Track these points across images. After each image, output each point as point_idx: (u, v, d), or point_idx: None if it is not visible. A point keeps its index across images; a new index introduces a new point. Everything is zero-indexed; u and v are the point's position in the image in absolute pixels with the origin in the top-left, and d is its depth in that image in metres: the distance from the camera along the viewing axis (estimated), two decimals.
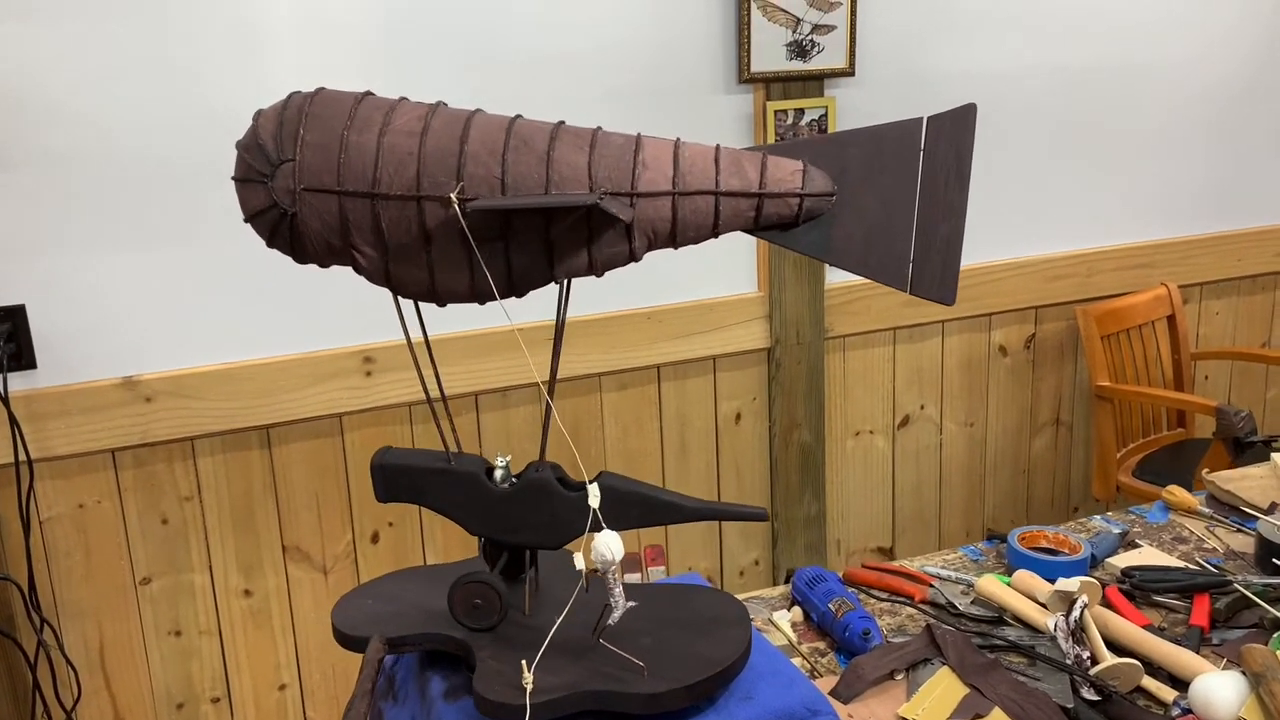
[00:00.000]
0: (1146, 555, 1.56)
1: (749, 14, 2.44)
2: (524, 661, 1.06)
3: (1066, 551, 1.53)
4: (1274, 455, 1.76)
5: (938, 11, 2.67)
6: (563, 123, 1.11)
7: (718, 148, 1.10)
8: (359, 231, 1.11)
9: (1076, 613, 1.29)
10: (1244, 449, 2.54)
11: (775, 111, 2.54)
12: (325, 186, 1.09)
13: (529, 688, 1.05)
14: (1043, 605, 1.37)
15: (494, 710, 1.06)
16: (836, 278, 2.70)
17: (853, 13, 2.54)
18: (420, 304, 1.17)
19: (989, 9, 2.72)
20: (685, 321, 2.58)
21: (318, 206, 1.10)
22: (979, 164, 2.68)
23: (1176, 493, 1.71)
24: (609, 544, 1.05)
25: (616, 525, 1.11)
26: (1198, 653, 1.29)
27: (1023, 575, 1.44)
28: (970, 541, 3.07)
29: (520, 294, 1.16)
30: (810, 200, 1.07)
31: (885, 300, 2.76)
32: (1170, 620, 1.40)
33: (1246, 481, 1.72)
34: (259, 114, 1.12)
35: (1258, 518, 1.57)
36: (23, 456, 2.09)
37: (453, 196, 1.10)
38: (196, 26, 2.10)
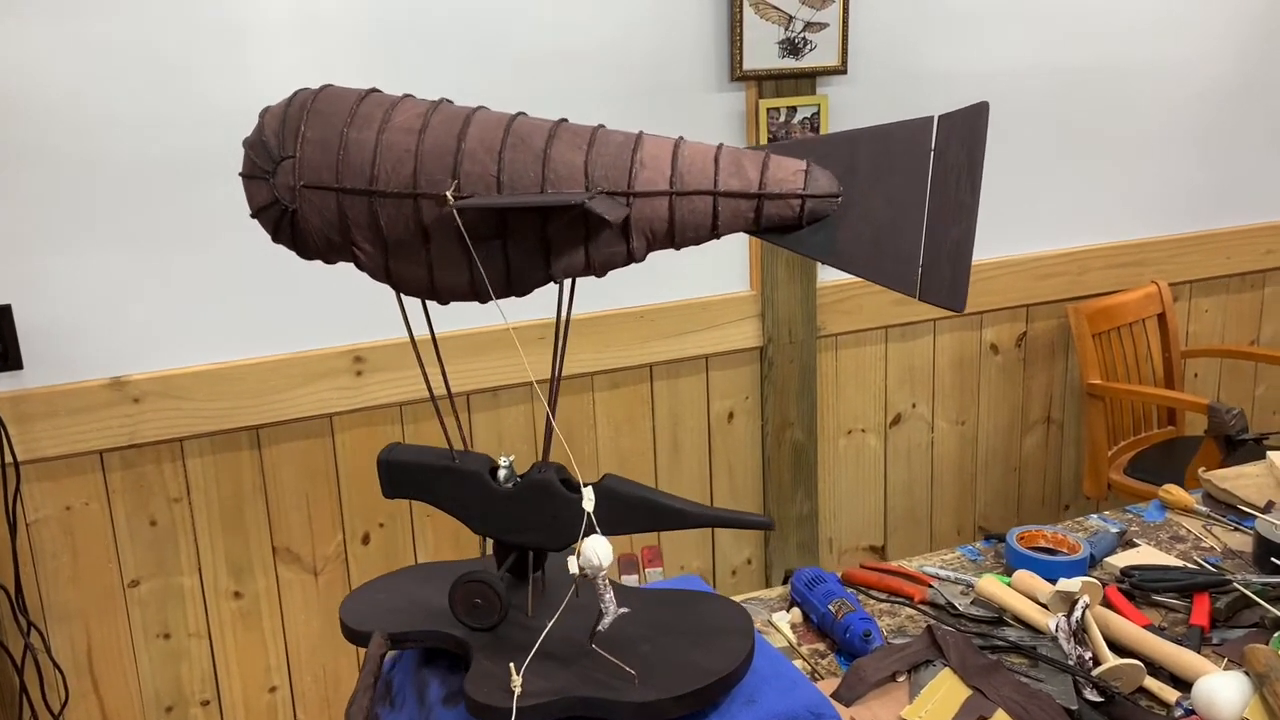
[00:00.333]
0: (1145, 554, 1.55)
1: (741, 11, 2.43)
2: (512, 664, 1.05)
3: (1065, 551, 1.52)
4: (1270, 454, 1.76)
5: (930, 9, 2.67)
6: (564, 120, 1.09)
7: (719, 147, 1.08)
8: (358, 228, 1.10)
9: (1078, 613, 1.29)
10: (1236, 447, 2.54)
11: (768, 110, 2.53)
12: (324, 183, 1.09)
13: (517, 691, 1.04)
14: (1044, 606, 1.37)
15: (481, 712, 1.05)
16: (828, 276, 2.69)
17: (845, 10, 2.53)
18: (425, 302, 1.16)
19: (981, 7, 2.72)
20: (677, 320, 2.57)
21: (317, 203, 1.09)
22: None
23: (1173, 491, 1.71)
24: (596, 549, 1.03)
25: (618, 530, 1.09)
26: (1199, 653, 1.29)
27: (1023, 575, 1.43)
28: (962, 539, 3.08)
29: (520, 293, 1.14)
30: (813, 201, 1.04)
31: (877, 299, 2.75)
32: (1170, 620, 1.39)
33: (1243, 480, 1.72)
34: (265, 111, 1.11)
35: (1255, 516, 1.57)
36: (9, 458, 2.07)
37: (449, 195, 1.09)
38: (188, 24, 2.08)
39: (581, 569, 1.04)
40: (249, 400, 2.25)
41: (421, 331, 1.17)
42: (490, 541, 1.20)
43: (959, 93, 2.73)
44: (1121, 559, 1.54)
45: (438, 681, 1.20)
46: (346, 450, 2.37)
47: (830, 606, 1.38)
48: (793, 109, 2.56)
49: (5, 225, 2.04)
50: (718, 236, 1.10)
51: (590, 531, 1.07)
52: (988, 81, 2.77)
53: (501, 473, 1.14)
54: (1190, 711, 1.18)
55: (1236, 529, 1.63)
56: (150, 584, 2.27)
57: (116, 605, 2.25)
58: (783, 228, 1.07)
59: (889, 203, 1.01)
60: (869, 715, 1.20)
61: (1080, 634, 1.28)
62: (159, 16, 2.06)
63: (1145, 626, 1.33)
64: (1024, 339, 3.01)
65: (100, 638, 2.25)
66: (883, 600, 1.49)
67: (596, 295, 2.47)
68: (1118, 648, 1.29)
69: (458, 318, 2.39)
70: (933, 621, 1.39)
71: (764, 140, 2.54)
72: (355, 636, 1.18)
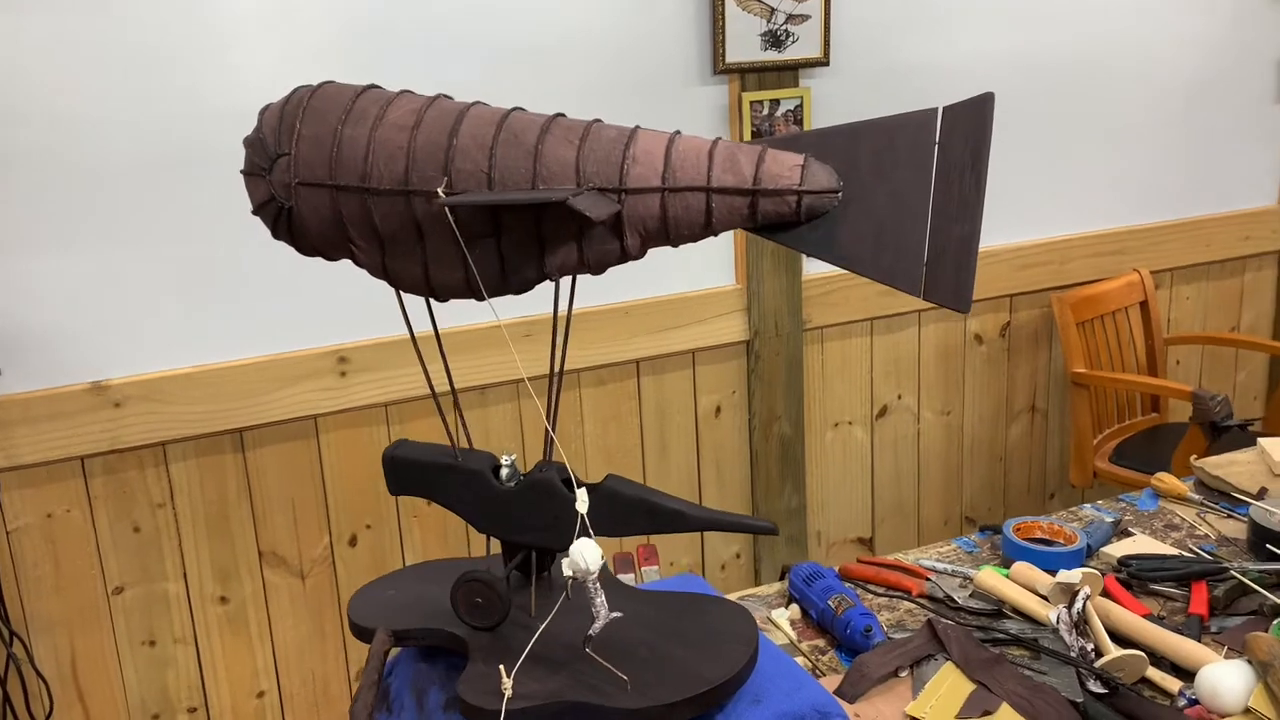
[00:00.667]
0: (1140, 543, 1.55)
1: (723, 4, 2.42)
2: (502, 666, 1.04)
3: (1062, 542, 1.52)
4: (1261, 441, 1.76)
5: (911, 1, 2.66)
6: (560, 115, 1.08)
7: (715, 142, 1.07)
8: (354, 225, 1.09)
9: (1079, 604, 1.28)
10: (1220, 433, 2.56)
11: (751, 102, 2.52)
12: (319, 180, 1.07)
13: (507, 694, 1.03)
14: (1043, 598, 1.36)
15: (471, 713, 1.05)
16: (813, 269, 2.69)
17: (827, 2, 2.52)
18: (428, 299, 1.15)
19: None
20: (663, 315, 2.56)
21: (312, 200, 1.08)
22: None
23: (1166, 480, 1.71)
24: (584, 553, 1.02)
25: (619, 532, 1.08)
26: (1199, 642, 1.28)
27: (1021, 567, 1.43)
28: (949, 530, 3.08)
29: (516, 290, 1.13)
30: (810, 198, 1.02)
31: (862, 290, 2.75)
32: (1169, 609, 1.39)
33: (1235, 467, 1.72)
34: (265, 108, 1.10)
35: (1249, 503, 1.57)
36: None
37: (440, 191, 1.07)
38: (166, 22, 2.04)
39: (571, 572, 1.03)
40: (232, 403, 2.22)
41: (421, 328, 1.16)
42: (493, 541, 1.19)
43: (941, 83, 2.72)
44: (1118, 548, 1.54)
45: (437, 687, 1.18)
46: (332, 452, 2.34)
47: (830, 602, 1.37)
48: (776, 102, 2.55)
49: None
50: (714, 234, 1.08)
51: (584, 534, 1.06)
52: (969, 73, 2.77)
53: (504, 471, 1.12)
54: (1194, 701, 1.18)
55: (1230, 516, 1.63)
56: (134, 591, 2.24)
57: (100, 613, 2.22)
58: (781, 224, 1.05)
59: (892, 198, 0.98)
60: (873, 712, 1.19)
61: (1082, 625, 1.28)
62: (136, 15, 2.02)
63: (1145, 616, 1.33)
64: (1008, 329, 3.01)
65: (84, 646, 2.22)
66: (880, 595, 1.48)
67: (581, 291, 2.42)
68: (1119, 638, 1.29)
69: (443, 315, 2.37)
70: (932, 615, 1.39)
71: (748, 134, 2.53)
72: (361, 633, 1.18)
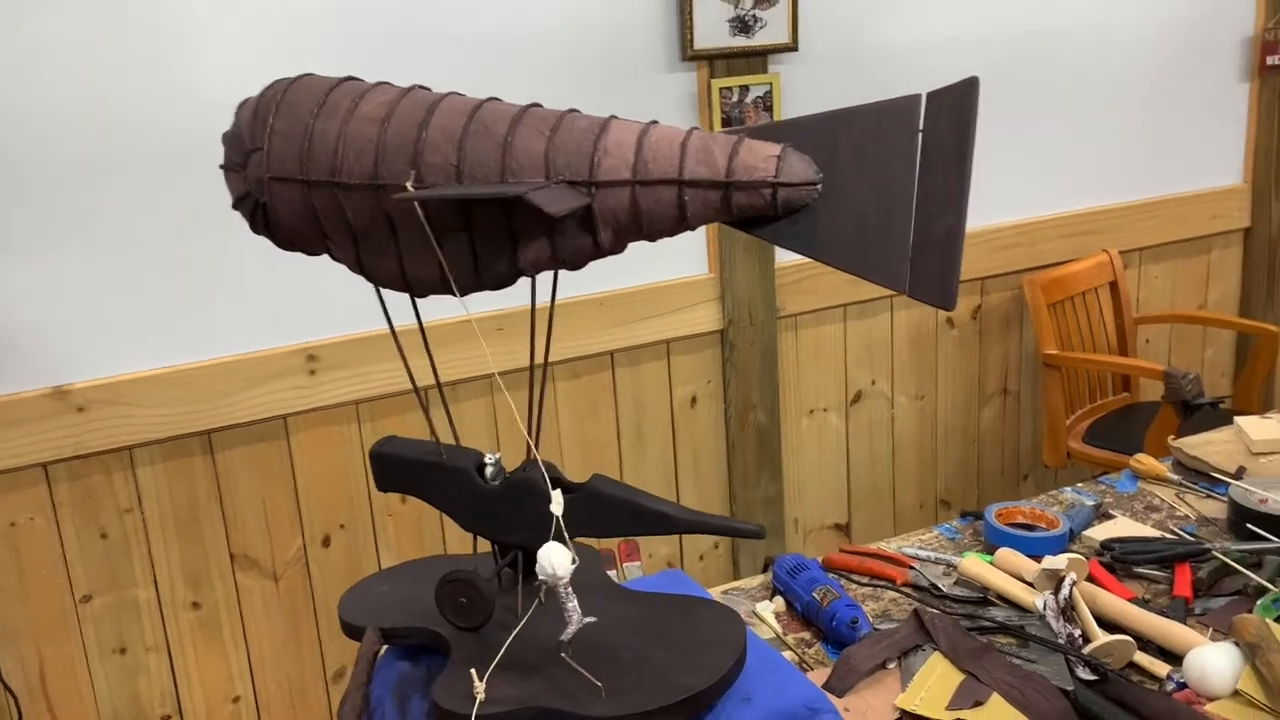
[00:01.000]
0: (1121, 526, 1.55)
1: None
2: (473, 671, 1.02)
3: (1044, 526, 1.51)
4: (1237, 419, 1.77)
5: None
6: (534, 105, 1.05)
7: (690, 132, 1.03)
8: (328, 221, 1.06)
9: (1065, 590, 1.28)
10: (1192, 411, 2.57)
11: (720, 89, 2.50)
12: (290, 175, 1.05)
13: (479, 698, 1.01)
14: (1029, 584, 1.36)
15: (443, 717, 1.03)
16: (786, 256, 2.67)
17: None
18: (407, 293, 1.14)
19: None
20: (637, 306, 2.53)
21: (285, 195, 1.05)
22: None
23: (1144, 461, 1.71)
24: (552, 558, 0.99)
25: (603, 533, 1.06)
26: (1185, 624, 1.28)
27: (1006, 554, 1.42)
28: (924, 514, 3.09)
29: (491, 286, 1.10)
30: (787, 190, 0.97)
31: (835, 277, 2.73)
32: (1153, 592, 1.39)
33: (1212, 446, 1.73)
34: (242, 103, 1.08)
35: (1228, 483, 1.57)
36: None
37: (409, 186, 1.04)
38: (122, 18, 1.98)
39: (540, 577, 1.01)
40: (199, 404, 2.17)
41: (399, 323, 1.14)
42: (482, 539, 1.17)
43: (909, 68, 2.71)
44: (1099, 532, 1.53)
45: (418, 695, 1.16)
46: (303, 452, 2.30)
47: (814, 594, 1.36)
48: (745, 88, 2.52)
49: None
50: (690, 228, 1.05)
51: (560, 537, 1.04)
52: (936, 55, 2.76)
53: (488, 470, 1.10)
54: (1182, 685, 1.18)
55: (1209, 496, 1.64)
56: (103, 599, 2.19)
57: (68, 622, 2.17)
58: (759, 218, 1.02)
59: (875, 190, 0.94)
60: (863, 705, 1.18)
61: (1069, 611, 1.27)
62: (95, 15, 1.96)
63: (1130, 600, 1.33)
64: (979, 312, 3.02)
65: (53, 657, 2.17)
66: (865, 585, 1.47)
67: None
68: (1106, 623, 1.29)
69: (410, 311, 2.33)
70: (918, 605, 1.38)
71: (718, 121, 2.50)
72: (350, 630, 1.17)
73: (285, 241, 1.12)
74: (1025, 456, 3.21)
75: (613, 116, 1.04)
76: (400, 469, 1.15)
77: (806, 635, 1.36)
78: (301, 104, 1.06)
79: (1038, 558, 1.39)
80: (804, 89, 2.61)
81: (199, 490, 2.23)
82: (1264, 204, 3.31)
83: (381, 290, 1.16)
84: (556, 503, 1.03)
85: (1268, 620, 1.18)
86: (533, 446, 1.06)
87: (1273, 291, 3.39)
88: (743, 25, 2.48)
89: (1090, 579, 1.38)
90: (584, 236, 1.06)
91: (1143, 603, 1.35)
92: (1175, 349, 3.38)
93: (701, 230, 2.59)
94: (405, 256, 1.06)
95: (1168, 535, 1.52)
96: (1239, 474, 1.64)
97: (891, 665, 1.24)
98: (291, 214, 1.07)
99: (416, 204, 1.01)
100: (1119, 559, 1.43)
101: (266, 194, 1.07)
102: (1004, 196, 2.96)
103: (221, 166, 1.10)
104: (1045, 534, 1.48)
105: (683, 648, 1.07)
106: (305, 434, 2.29)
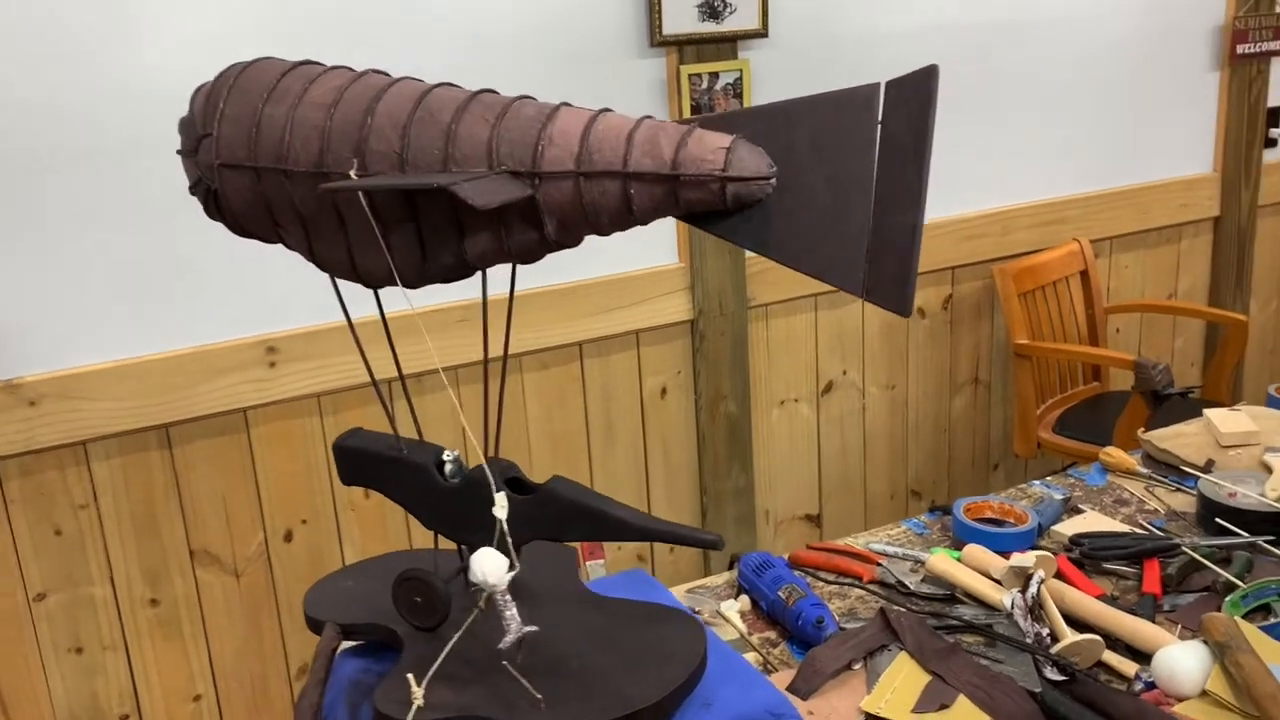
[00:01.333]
0: (1091, 520, 1.53)
1: None
2: (410, 676, 0.99)
3: (1013, 522, 1.50)
4: (1206, 412, 1.75)
5: None
6: (485, 91, 1.01)
7: (640, 122, 0.98)
8: (277, 208, 1.03)
9: (1033, 589, 1.26)
10: (1162, 401, 2.56)
11: (689, 76, 2.46)
12: (239, 162, 1.01)
13: (416, 704, 0.98)
14: (997, 581, 1.33)
15: None
16: None
17: None
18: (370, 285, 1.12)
19: None
20: (606, 296, 2.50)
21: (235, 182, 1.03)
22: None
23: (1114, 454, 1.70)
24: (483, 565, 0.96)
25: (559, 536, 1.03)
26: (1153, 621, 1.27)
27: (974, 550, 1.40)
28: (895, 504, 3.08)
29: (440, 279, 1.07)
30: (736, 185, 0.92)
31: None
32: (1122, 588, 1.38)
33: (1182, 440, 1.71)
34: (198, 88, 1.06)
35: (1197, 477, 1.56)
36: None
37: (352, 174, 1.01)
38: (71, 5, 1.93)
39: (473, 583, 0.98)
40: (156, 397, 2.12)
41: (360, 314, 1.11)
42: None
43: (879, 55, 2.68)
44: (1068, 526, 1.51)
45: (370, 703, 1.13)
46: (263, 445, 2.25)
47: (780, 593, 1.33)
48: (715, 75, 2.49)
49: None
50: (641, 222, 1.01)
51: (502, 540, 1.00)
52: (906, 42, 2.73)
53: (448, 467, 1.07)
54: (1151, 685, 1.16)
55: (1179, 490, 1.62)
56: (58, 597, 2.14)
57: (22, 622, 2.12)
58: (711, 213, 0.98)
59: (831, 185, 0.89)
60: (827, 708, 1.16)
61: (1036, 610, 1.25)
62: (41, 2, 1.91)
63: (1098, 597, 1.31)
64: (950, 301, 3.00)
65: (6, 657, 2.12)
66: (831, 582, 1.44)
67: (521, 272, 2.38)
68: (1074, 622, 1.27)
69: (372, 302, 2.28)
70: (884, 603, 1.35)
71: (687, 108, 2.47)
72: (312, 624, 1.16)
73: (239, 229, 1.09)
74: (996, 446, 3.20)
75: (563, 104, 1.00)
76: (364, 463, 1.12)
77: (772, 635, 1.33)
78: (253, 89, 1.03)
79: (1006, 554, 1.37)
80: (774, 76, 2.57)
81: (156, 485, 2.18)
82: (1233, 193, 3.31)
83: (337, 281, 1.13)
84: (500, 506, 0.99)
85: (1237, 619, 1.17)
86: (477, 443, 1.03)
87: (1242, 281, 3.40)
88: (712, 11, 2.44)
89: (1058, 575, 1.36)
90: (529, 229, 1.02)
91: (1111, 599, 1.33)
92: (1145, 338, 3.38)
93: (670, 219, 2.56)
94: (354, 246, 1.03)
95: (1137, 530, 1.50)
96: (1208, 467, 1.63)
97: (857, 666, 1.22)
98: (242, 201, 1.04)
99: (360, 193, 0.97)
100: (1087, 555, 1.42)
101: (217, 180, 1.03)
102: (974, 185, 2.94)
103: (178, 152, 1.08)
104: (1013, 529, 1.46)
105: (635, 658, 1.04)
106: (265, 427, 2.25)
